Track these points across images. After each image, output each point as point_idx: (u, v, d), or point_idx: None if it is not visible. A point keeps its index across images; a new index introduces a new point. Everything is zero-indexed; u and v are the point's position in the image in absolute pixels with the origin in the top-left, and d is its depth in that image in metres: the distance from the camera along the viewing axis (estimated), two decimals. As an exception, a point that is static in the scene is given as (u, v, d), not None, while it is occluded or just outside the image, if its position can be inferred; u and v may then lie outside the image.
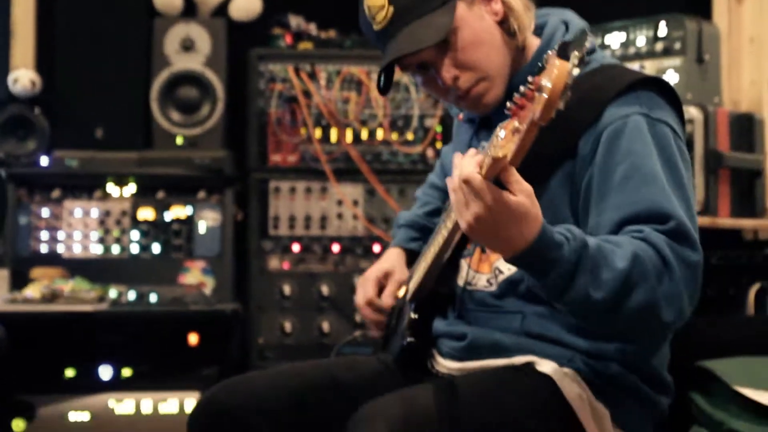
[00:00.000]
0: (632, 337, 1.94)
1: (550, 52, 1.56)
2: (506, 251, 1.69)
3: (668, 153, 1.89)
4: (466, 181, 1.63)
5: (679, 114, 2.00)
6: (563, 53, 1.55)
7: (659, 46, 3.17)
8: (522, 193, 1.64)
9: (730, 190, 3.04)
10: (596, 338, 1.98)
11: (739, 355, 2.33)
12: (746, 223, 3.10)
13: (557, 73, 1.51)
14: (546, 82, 1.52)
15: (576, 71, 1.54)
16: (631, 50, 3.24)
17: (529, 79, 1.56)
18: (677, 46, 3.13)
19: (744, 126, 3.12)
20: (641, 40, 3.23)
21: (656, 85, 1.97)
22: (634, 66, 3.14)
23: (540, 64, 1.57)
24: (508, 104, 1.59)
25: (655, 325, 1.78)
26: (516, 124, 1.57)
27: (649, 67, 3.19)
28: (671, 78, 3.13)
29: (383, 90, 2.15)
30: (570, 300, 1.73)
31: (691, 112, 2.97)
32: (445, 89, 2.05)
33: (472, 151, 1.70)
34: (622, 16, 3.32)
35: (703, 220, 2.91)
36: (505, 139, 1.58)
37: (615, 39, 3.29)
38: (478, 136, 2.16)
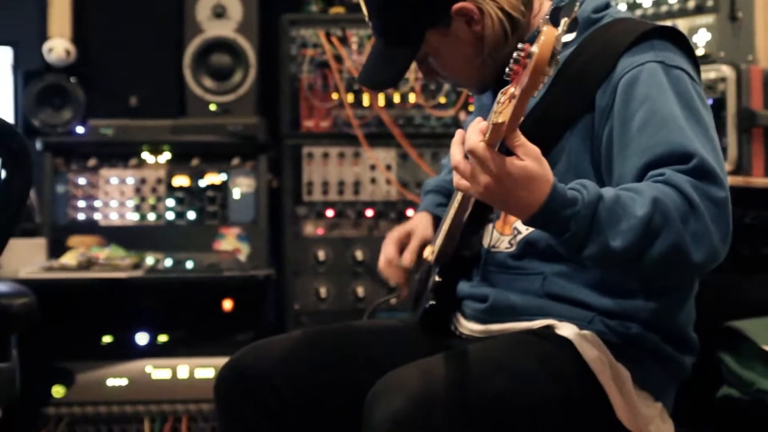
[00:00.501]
0: (665, 282, 1.95)
1: (543, 18, 1.57)
2: (521, 214, 1.70)
3: (687, 96, 1.88)
4: (471, 151, 1.65)
5: (694, 62, 1.98)
6: (554, 19, 1.56)
7: (691, 4, 3.13)
8: (528, 156, 1.64)
9: (764, 149, 3.00)
10: (617, 296, 1.98)
11: (768, 313, 2.32)
12: (780, 182, 3.07)
13: (544, 39, 1.52)
14: (534, 48, 1.53)
15: (568, 36, 1.57)
16: (663, 8, 3.19)
17: (519, 45, 1.57)
18: (710, 3, 3.09)
19: (779, 85, 3.09)
20: None
21: (669, 34, 1.97)
22: (666, 24, 3.04)
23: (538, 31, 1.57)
24: (507, 70, 1.60)
25: (686, 268, 1.77)
26: (512, 89, 1.59)
27: (682, 26, 3.12)
28: (703, 36, 3.10)
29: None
30: (590, 255, 1.73)
31: (724, 70, 2.94)
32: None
33: (477, 119, 1.71)
34: None
35: (736, 180, 2.87)
36: (502, 105, 1.61)
37: None
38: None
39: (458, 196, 2.07)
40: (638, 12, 3.27)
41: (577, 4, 1.75)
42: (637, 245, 1.71)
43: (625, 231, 1.70)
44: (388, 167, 3.77)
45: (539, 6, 2.07)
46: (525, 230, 2.05)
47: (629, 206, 1.71)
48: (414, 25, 2.04)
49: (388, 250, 2.37)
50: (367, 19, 2.10)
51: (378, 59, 2.09)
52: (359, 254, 3.74)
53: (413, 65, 2.13)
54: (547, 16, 1.58)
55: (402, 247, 2.37)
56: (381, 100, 3.76)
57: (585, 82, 1.95)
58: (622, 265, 1.78)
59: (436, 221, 2.36)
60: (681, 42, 1.97)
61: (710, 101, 2.88)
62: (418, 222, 2.42)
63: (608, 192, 1.73)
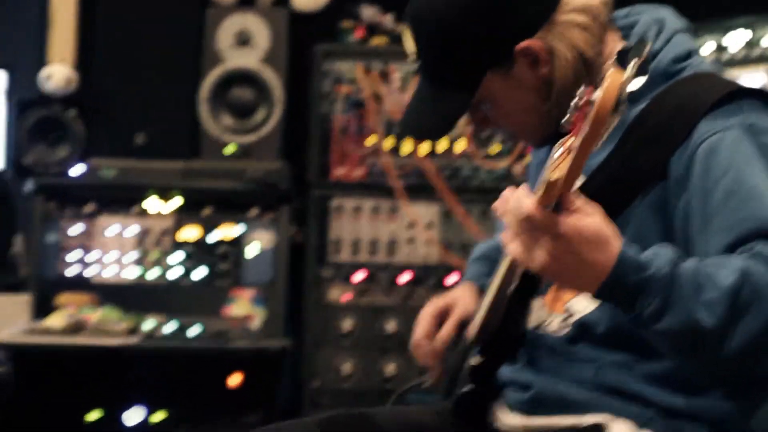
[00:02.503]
0: (749, 375, 1.79)
1: (610, 61, 1.51)
2: (592, 283, 1.62)
3: None
4: (527, 218, 1.55)
5: None
6: (622, 61, 1.49)
7: None
8: (583, 213, 1.57)
9: None
10: (684, 392, 1.87)
11: None
12: None
13: (608, 84, 1.44)
14: (596, 94, 1.45)
15: (637, 82, 1.48)
16: (756, 51, 3.20)
17: (580, 90, 1.49)
18: (811, 47, 3.06)
19: None
20: (766, 40, 3.21)
21: (759, 94, 1.87)
22: (758, 70, 3.15)
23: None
24: (564, 120, 1.53)
25: None
26: (571, 141, 1.53)
27: None
28: None
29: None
30: (667, 328, 1.61)
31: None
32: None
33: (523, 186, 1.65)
34: (747, 12, 3.28)
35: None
36: (559, 159, 1.55)
37: (738, 38, 3.24)
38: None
39: (504, 265, 2.02)
40: (726, 55, 3.26)
41: (649, 44, 1.60)
42: (724, 319, 1.60)
43: (710, 301, 1.59)
44: (429, 225, 3.69)
45: (612, 47, 1.98)
46: (582, 311, 1.96)
47: (713, 275, 1.61)
48: (472, 66, 1.98)
49: (422, 325, 2.28)
50: (413, 56, 2.02)
51: (424, 104, 2.03)
52: (390, 326, 3.66)
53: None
54: (614, 58, 1.49)
55: (439, 323, 2.28)
56: (423, 147, 3.69)
57: (658, 145, 1.87)
58: (704, 347, 1.64)
59: (482, 294, 2.26)
60: None
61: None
62: (461, 295, 2.34)
63: (686, 260, 1.65)
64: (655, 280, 1.58)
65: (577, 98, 1.49)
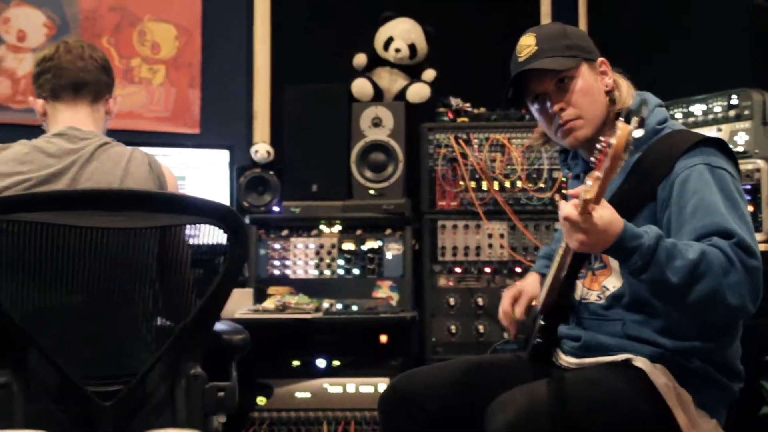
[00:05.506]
0: (704, 319, 1.89)
1: (619, 118, 1.60)
2: (602, 249, 1.72)
3: (727, 190, 1.87)
4: (566, 218, 1.68)
5: (734, 162, 1.97)
6: (627, 118, 1.59)
7: (732, 113, 3.10)
8: (603, 208, 1.67)
9: (789, 221, 2.93)
10: (681, 339, 1.96)
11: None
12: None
13: (620, 133, 1.56)
14: (612, 140, 1.56)
15: (639, 132, 1.58)
16: (710, 117, 3.17)
17: (601, 138, 1.60)
18: (746, 112, 3.07)
19: (801, 174, 2.99)
20: (718, 109, 3.15)
21: (714, 142, 1.96)
22: (712, 129, 3.11)
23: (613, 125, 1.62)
24: (591, 159, 1.62)
25: (722, 310, 1.74)
26: (597, 173, 1.61)
27: (725, 130, 3.11)
28: (742, 137, 3.06)
29: (510, 101, 2.18)
30: (649, 279, 1.72)
31: (758, 163, 2.92)
32: (551, 117, 2.10)
33: (572, 201, 1.72)
34: (702, 92, 3.24)
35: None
36: (590, 185, 1.63)
37: (697, 108, 3.22)
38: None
39: (557, 260, 2.07)
40: (691, 119, 3.23)
41: (645, 108, 1.76)
42: (685, 280, 1.70)
43: (677, 267, 1.69)
44: (501, 236, 3.69)
45: (618, 103, 2.10)
46: (612, 287, 2.06)
47: (683, 251, 1.70)
48: (579, 51, 2.10)
49: (504, 304, 2.36)
50: (531, 47, 2.08)
51: (546, 62, 2.05)
52: (480, 300, 3.66)
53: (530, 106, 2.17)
54: (622, 118, 1.60)
55: (514, 301, 2.36)
56: (495, 185, 3.67)
57: (651, 179, 1.96)
58: (671, 296, 1.75)
59: (543, 279, 2.35)
60: (723, 148, 1.97)
61: (748, 186, 2.87)
62: (530, 282, 2.42)
63: (670, 239, 1.74)
64: (644, 246, 1.69)
65: (599, 144, 1.61)
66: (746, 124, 3.06)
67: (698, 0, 3.76)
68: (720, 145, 1.97)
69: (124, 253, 1.97)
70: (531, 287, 2.40)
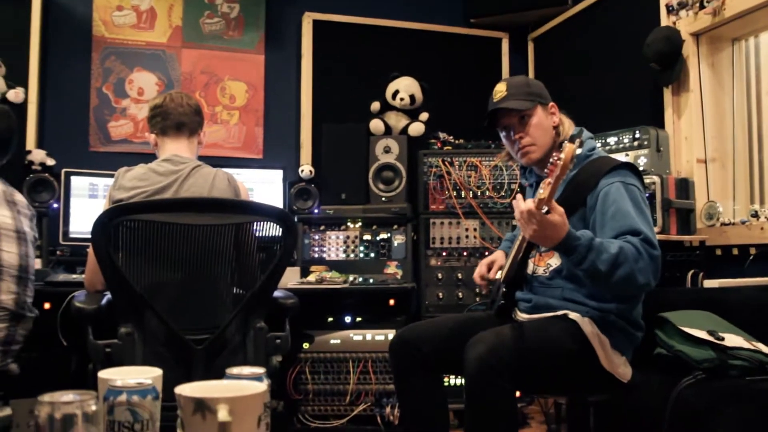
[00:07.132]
0: (622, 294, 1.87)
1: (565, 141, 1.60)
2: (550, 244, 1.69)
3: (636, 201, 1.85)
4: (525, 211, 1.65)
5: (641, 179, 1.94)
6: (572, 140, 1.60)
7: (636, 143, 3.09)
8: (556, 214, 1.64)
9: (676, 219, 2.97)
10: (602, 301, 1.93)
11: (681, 309, 2.29)
12: (685, 237, 2.99)
13: (567, 150, 1.57)
14: (562, 155, 1.55)
15: (578, 150, 1.58)
16: (621, 145, 3.16)
17: (554, 154, 1.59)
18: (646, 143, 3.06)
19: (683, 186, 3.04)
20: (627, 140, 3.13)
21: (627, 166, 1.94)
22: (623, 154, 3.09)
23: (561, 146, 1.61)
24: (545, 171, 1.60)
25: (634, 287, 1.72)
26: (549, 179, 1.59)
27: (631, 155, 3.09)
28: (643, 160, 3.04)
29: (486, 129, 2.12)
30: (585, 268, 1.69)
31: (654, 178, 2.92)
32: (513, 142, 2.06)
33: (529, 199, 1.69)
34: (617, 127, 3.22)
35: (662, 236, 2.85)
36: (543, 187, 1.60)
37: (612, 139, 3.19)
38: (534, 192, 2.14)
39: (516, 244, 2.06)
40: (607, 148, 3.20)
41: (584, 135, 1.80)
42: (610, 268, 1.68)
43: (604, 259, 1.68)
44: (475, 230, 3.62)
45: (565, 133, 2.06)
46: (554, 264, 2.03)
47: (608, 247, 1.69)
48: (537, 96, 2.04)
49: (481, 269, 2.32)
50: (503, 92, 2.01)
51: (512, 104, 2.00)
52: (459, 275, 3.59)
53: (500, 133, 2.09)
54: (567, 139, 1.60)
55: (488, 269, 2.32)
56: (471, 194, 3.59)
57: (583, 190, 1.93)
58: (600, 279, 1.71)
59: (507, 256, 2.29)
60: (634, 170, 1.95)
61: (648, 194, 2.87)
62: (498, 256, 2.37)
63: (596, 239, 1.72)
64: (581, 245, 1.67)
65: (552, 159, 1.59)
66: (645, 151, 3.05)
67: (616, 61, 3.73)
68: (632, 168, 1.94)
69: (210, 242, 1.96)
70: (500, 258, 2.35)
